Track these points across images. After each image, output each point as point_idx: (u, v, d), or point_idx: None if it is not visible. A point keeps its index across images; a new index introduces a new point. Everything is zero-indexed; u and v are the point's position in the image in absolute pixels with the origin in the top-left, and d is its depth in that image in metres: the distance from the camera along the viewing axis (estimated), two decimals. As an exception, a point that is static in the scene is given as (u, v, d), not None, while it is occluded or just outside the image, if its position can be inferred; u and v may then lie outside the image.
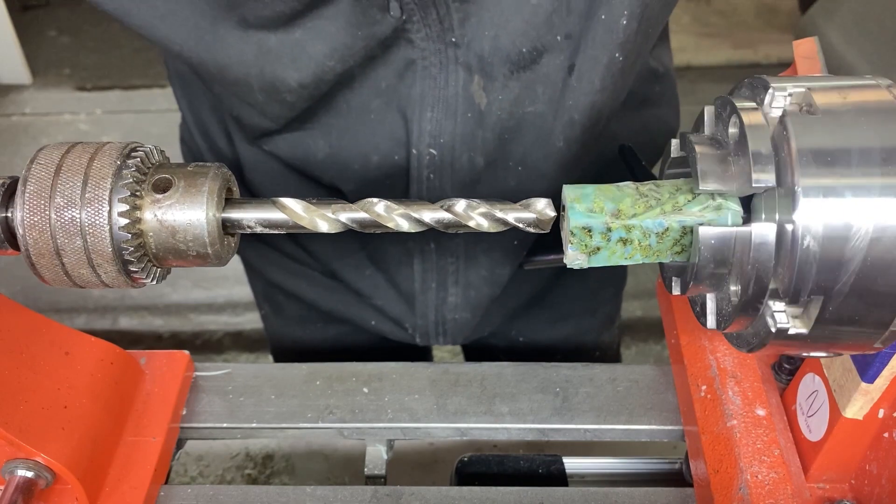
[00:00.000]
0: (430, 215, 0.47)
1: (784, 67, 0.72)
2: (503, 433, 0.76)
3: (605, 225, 0.46)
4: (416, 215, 0.47)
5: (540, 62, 0.69)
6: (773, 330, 0.45)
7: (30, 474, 0.61)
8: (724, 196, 0.46)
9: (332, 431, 0.76)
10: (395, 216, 0.47)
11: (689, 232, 0.46)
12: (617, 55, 0.67)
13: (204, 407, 0.77)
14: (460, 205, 0.47)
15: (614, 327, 1.23)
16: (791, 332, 0.45)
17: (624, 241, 0.46)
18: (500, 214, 0.47)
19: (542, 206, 0.47)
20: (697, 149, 0.46)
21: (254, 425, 0.76)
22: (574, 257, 0.47)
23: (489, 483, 0.71)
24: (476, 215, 0.47)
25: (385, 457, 0.77)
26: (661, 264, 0.54)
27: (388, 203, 0.47)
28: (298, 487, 0.71)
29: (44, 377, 0.63)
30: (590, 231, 0.46)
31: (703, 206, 0.46)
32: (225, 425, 0.76)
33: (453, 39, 0.68)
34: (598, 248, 0.47)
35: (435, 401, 0.77)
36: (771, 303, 0.44)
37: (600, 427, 0.75)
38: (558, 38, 0.67)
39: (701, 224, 0.45)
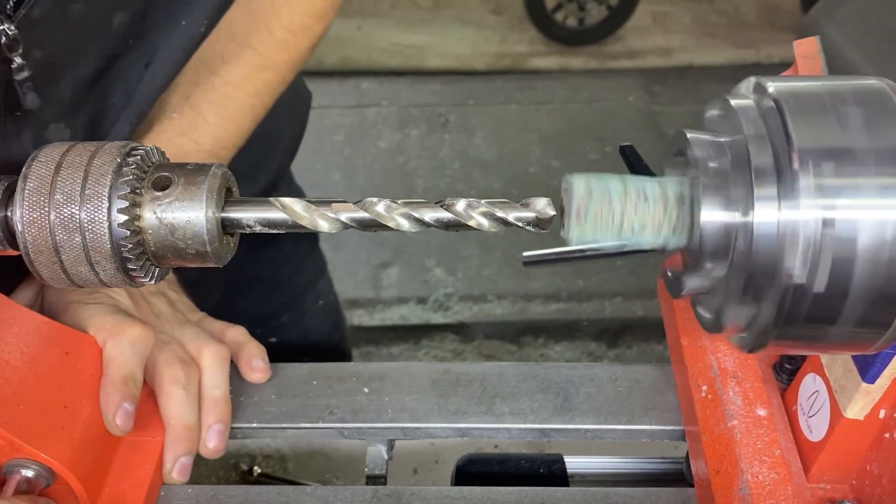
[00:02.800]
0: (431, 215, 0.47)
1: (786, 67, 0.72)
2: (504, 433, 0.76)
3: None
4: (416, 215, 0.47)
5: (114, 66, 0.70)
6: (774, 324, 0.44)
7: (30, 474, 0.60)
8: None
9: (332, 431, 0.76)
10: (395, 216, 0.47)
11: (689, 199, 0.46)
12: (189, 54, 0.73)
13: (204, 407, 0.76)
14: (461, 204, 0.47)
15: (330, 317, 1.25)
16: (792, 330, 0.45)
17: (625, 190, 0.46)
18: (500, 214, 0.47)
19: (543, 206, 0.47)
20: (691, 138, 0.47)
21: (254, 425, 0.76)
22: (580, 185, 0.46)
23: (490, 483, 0.71)
24: (476, 215, 0.47)
25: (385, 457, 0.77)
26: (664, 268, 0.54)
27: (389, 202, 0.47)
28: (299, 487, 0.71)
29: (44, 377, 0.63)
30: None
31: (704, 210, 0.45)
32: (225, 425, 0.76)
33: (20, 110, 0.64)
34: (602, 176, 0.46)
35: (435, 401, 0.77)
36: (772, 298, 0.44)
37: (601, 427, 0.75)
38: (130, 41, 0.70)
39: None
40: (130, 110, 0.73)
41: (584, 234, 0.46)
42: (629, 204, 0.46)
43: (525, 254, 0.79)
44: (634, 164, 0.71)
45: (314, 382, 0.79)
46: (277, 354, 0.81)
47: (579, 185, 0.46)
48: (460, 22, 4.05)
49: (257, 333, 0.83)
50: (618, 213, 0.46)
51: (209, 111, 0.78)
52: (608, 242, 0.48)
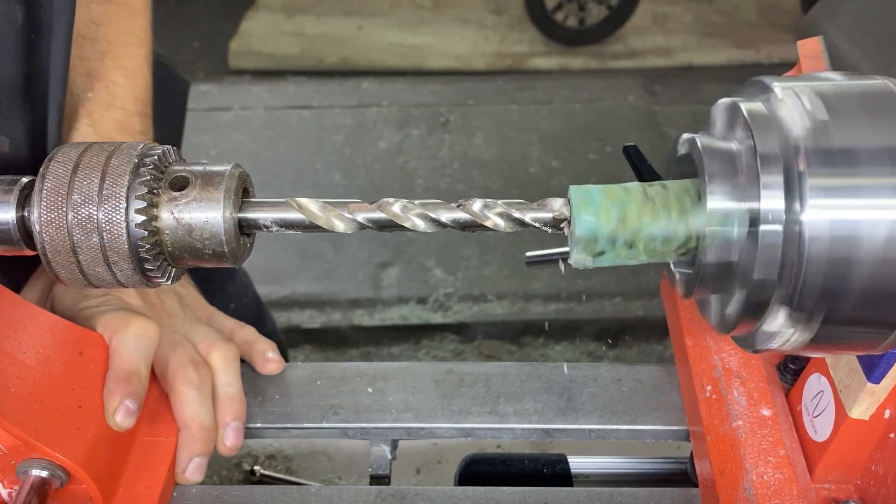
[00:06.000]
0: (447, 215, 0.47)
1: (786, 67, 0.72)
2: (508, 433, 0.76)
3: (611, 234, 0.46)
4: (433, 215, 0.47)
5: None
6: (778, 331, 0.44)
7: (44, 474, 0.61)
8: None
9: (336, 431, 0.76)
10: (411, 216, 0.47)
11: (695, 237, 0.46)
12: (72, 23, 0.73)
13: (209, 407, 0.76)
14: (477, 205, 0.47)
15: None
16: (796, 334, 0.45)
17: (629, 245, 0.46)
18: (516, 214, 0.47)
19: (559, 206, 0.47)
20: (702, 147, 0.46)
21: (258, 425, 0.76)
22: (579, 260, 0.47)
23: (493, 483, 0.71)
24: (493, 215, 0.47)
25: (389, 457, 0.77)
26: (667, 267, 0.54)
27: (405, 203, 0.47)
28: (302, 487, 0.71)
29: (58, 377, 0.63)
30: (595, 240, 0.46)
31: (709, 217, 0.45)
32: (230, 425, 0.76)
33: None
34: (603, 252, 0.47)
35: (439, 401, 0.77)
36: (776, 305, 0.44)
37: (605, 427, 0.75)
38: (32, 36, 0.69)
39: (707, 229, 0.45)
40: (54, 99, 0.74)
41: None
42: (626, 263, 0.47)
43: (528, 254, 0.79)
44: (638, 164, 0.71)
45: (318, 382, 0.79)
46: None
47: (579, 260, 0.46)
48: (460, 22, 4.05)
49: None
50: (628, 257, 0.47)
51: (115, 76, 0.80)
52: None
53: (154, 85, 0.85)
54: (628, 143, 0.73)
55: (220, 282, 1.16)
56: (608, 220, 0.46)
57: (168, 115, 1.03)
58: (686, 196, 0.47)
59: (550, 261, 0.82)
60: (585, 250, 0.46)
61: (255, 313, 1.21)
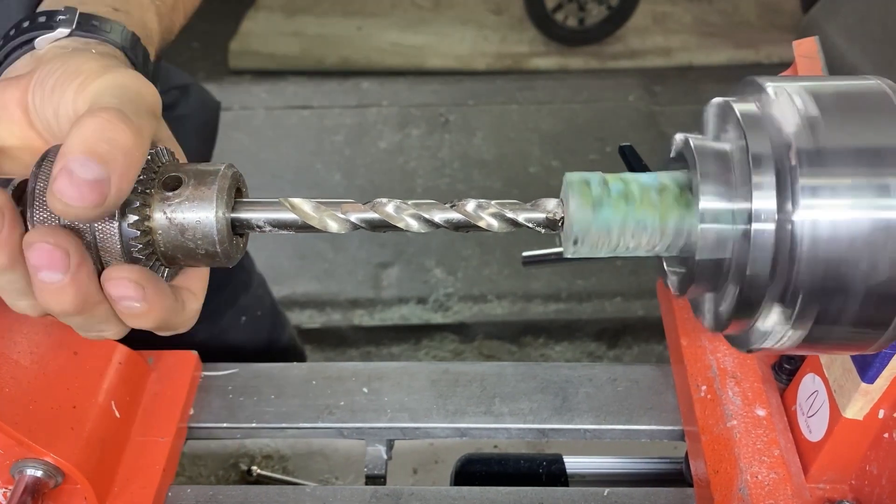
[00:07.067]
0: (441, 216, 0.47)
1: (786, 67, 0.72)
2: (503, 433, 0.76)
3: (602, 178, 0.46)
4: (426, 216, 0.47)
5: None
6: (771, 329, 0.44)
7: (39, 474, 0.61)
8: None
9: (331, 431, 0.76)
10: (405, 216, 0.47)
11: (687, 188, 0.46)
12: None
13: (203, 407, 0.77)
14: (470, 205, 0.47)
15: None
16: (790, 333, 0.45)
17: (626, 197, 0.46)
18: (510, 214, 0.47)
19: (553, 206, 0.47)
20: (695, 146, 0.46)
21: (253, 425, 0.76)
22: (579, 219, 0.45)
23: (489, 483, 0.71)
24: (486, 215, 0.47)
25: (385, 457, 0.77)
26: (663, 268, 0.54)
27: (399, 203, 0.47)
28: (298, 487, 0.71)
29: (53, 377, 0.63)
30: (587, 183, 0.46)
31: (702, 215, 0.45)
32: (225, 425, 0.76)
33: None
34: (601, 204, 0.45)
35: (435, 401, 0.78)
36: (769, 303, 0.44)
37: (600, 427, 0.75)
38: None
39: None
40: None
41: (579, 254, 0.47)
42: (627, 233, 0.46)
43: (524, 254, 0.79)
44: (634, 164, 0.71)
45: (313, 382, 0.79)
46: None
47: (579, 215, 0.46)
48: (460, 22, 4.05)
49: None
50: (614, 241, 0.46)
51: None
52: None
53: (189, 106, 0.86)
54: (624, 143, 0.73)
55: (234, 293, 1.14)
56: (598, 175, 0.46)
57: (202, 136, 1.03)
58: (675, 185, 0.47)
59: (548, 261, 0.82)
60: (581, 197, 0.45)
61: (269, 325, 1.20)
